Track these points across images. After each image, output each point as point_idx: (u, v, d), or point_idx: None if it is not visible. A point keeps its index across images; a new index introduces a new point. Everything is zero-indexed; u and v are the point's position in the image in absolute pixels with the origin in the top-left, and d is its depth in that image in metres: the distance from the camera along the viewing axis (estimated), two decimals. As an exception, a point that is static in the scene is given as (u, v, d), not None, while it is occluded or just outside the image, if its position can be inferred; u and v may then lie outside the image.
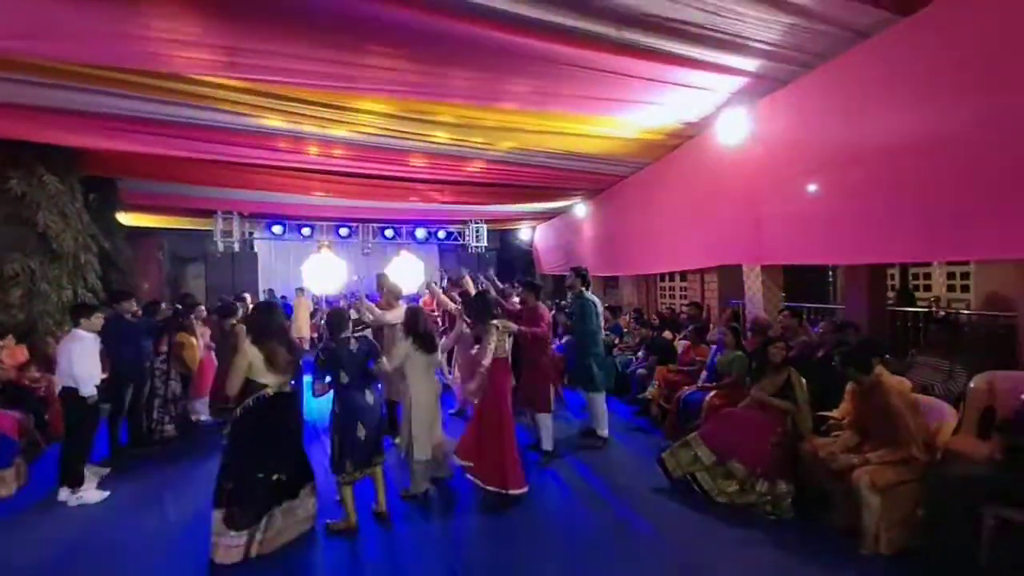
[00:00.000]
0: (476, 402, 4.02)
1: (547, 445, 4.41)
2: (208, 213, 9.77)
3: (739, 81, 4.18)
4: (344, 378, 3.21)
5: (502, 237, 14.24)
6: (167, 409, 5.08)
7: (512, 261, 13.87)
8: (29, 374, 4.98)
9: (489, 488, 3.55)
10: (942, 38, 2.93)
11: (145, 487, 4.03)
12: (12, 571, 2.91)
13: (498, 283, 5.25)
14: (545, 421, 4.43)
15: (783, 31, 3.43)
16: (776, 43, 3.57)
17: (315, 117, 4.61)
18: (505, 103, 4.51)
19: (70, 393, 3.76)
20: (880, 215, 3.44)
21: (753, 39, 3.50)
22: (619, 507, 3.53)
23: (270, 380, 2.96)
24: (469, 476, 3.62)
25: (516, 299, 5.07)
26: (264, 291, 10.52)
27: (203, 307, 6.25)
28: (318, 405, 3.36)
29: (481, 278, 5.46)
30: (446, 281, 7.24)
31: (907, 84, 3.16)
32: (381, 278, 5.32)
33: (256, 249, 11.46)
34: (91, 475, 4.00)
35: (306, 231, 11.07)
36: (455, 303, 5.29)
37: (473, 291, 5.12)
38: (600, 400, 4.73)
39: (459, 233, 12.17)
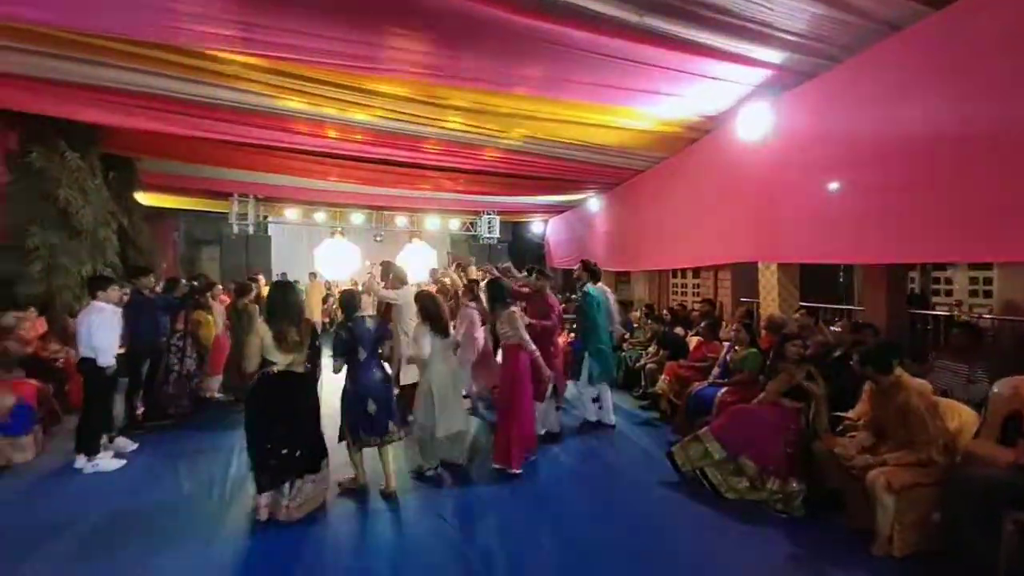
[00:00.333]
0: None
1: (539, 429, 4.46)
2: (224, 195, 9.83)
3: (763, 74, 4.10)
4: (362, 354, 3.34)
5: (514, 229, 14.23)
6: (182, 385, 5.16)
7: (524, 254, 13.82)
8: (50, 346, 5.08)
9: (495, 465, 3.77)
10: (977, 30, 2.85)
11: (160, 459, 4.11)
12: (24, 530, 2.98)
13: (515, 271, 5.27)
14: (539, 407, 4.45)
15: (811, 21, 3.35)
16: (803, 33, 3.50)
17: (334, 99, 4.62)
18: (520, 88, 4.47)
19: (89, 363, 3.83)
20: (909, 214, 3.33)
21: (780, 29, 3.43)
22: (627, 500, 3.52)
23: (278, 358, 3.04)
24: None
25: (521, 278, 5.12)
26: (278, 274, 10.61)
27: (219, 285, 6.33)
28: (336, 386, 3.42)
29: (493, 268, 5.50)
30: (455, 265, 7.39)
31: (941, 77, 3.07)
32: (387, 265, 5.38)
33: (270, 233, 11.53)
34: (117, 447, 4.15)
35: (320, 216, 11.14)
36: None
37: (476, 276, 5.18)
38: (587, 392, 4.92)
39: (472, 224, 12.17)
